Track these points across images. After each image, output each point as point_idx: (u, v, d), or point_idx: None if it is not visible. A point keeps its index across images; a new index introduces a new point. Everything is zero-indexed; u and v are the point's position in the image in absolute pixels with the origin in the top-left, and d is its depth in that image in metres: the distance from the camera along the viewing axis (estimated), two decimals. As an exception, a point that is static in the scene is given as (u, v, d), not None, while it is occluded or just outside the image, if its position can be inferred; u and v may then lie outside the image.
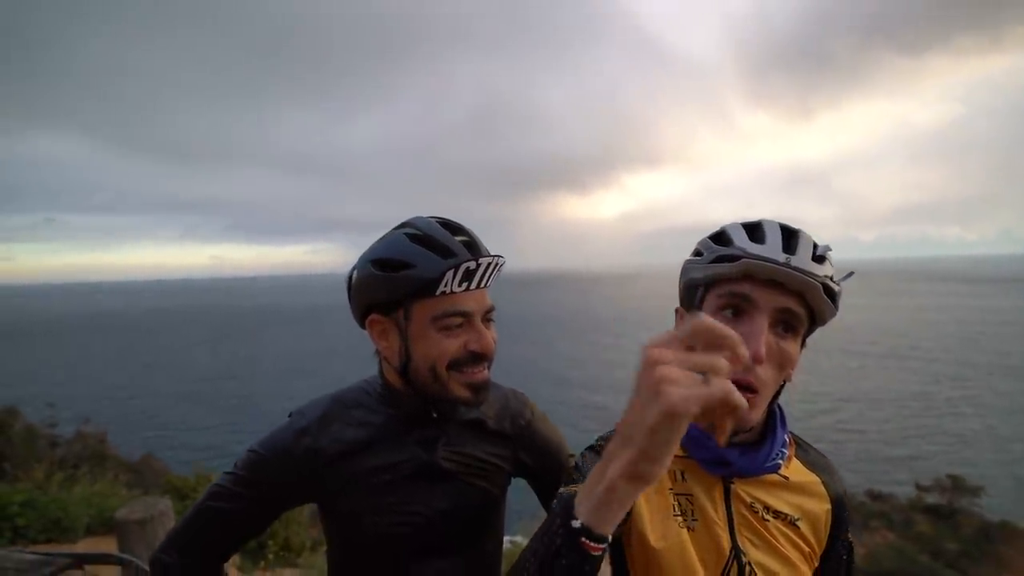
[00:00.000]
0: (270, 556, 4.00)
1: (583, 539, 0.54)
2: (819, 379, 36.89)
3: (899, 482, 20.12)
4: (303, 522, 4.52)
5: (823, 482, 0.88)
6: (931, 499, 18.81)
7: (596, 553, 0.55)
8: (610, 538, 0.55)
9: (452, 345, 0.93)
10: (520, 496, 1.20)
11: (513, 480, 1.14)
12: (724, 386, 0.48)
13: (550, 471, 1.14)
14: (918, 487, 19.29)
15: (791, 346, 0.77)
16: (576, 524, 0.55)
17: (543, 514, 0.81)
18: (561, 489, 0.83)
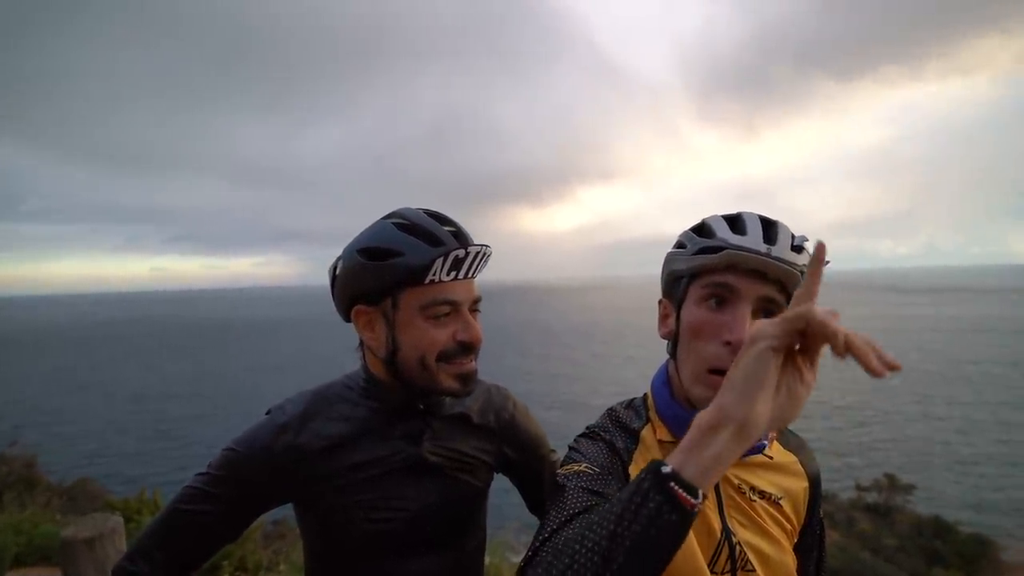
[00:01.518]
0: (225, 576, 3.81)
1: (672, 484, 0.53)
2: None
3: (844, 488, 21.05)
4: (258, 540, 4.33)
5: (800, 461, 0.92)
6: (870, 498, 19.85)
7: (686, 505, 0.53)
8: (701, 495, 0.53)
9: (441, 335, 0.92)
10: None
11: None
12: (807, 309, 0.52)
13: (533, 465, 1.15)
14: (858, 487, 20.31)
15: None
16: (666, 469, 0.54)
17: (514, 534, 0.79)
18: (558, 470, 0.84)
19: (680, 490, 0.53)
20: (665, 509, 0.53)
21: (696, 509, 0.53)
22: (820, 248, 0.56)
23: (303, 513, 1.01)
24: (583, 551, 0.57)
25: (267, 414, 1.01)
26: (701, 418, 0.55)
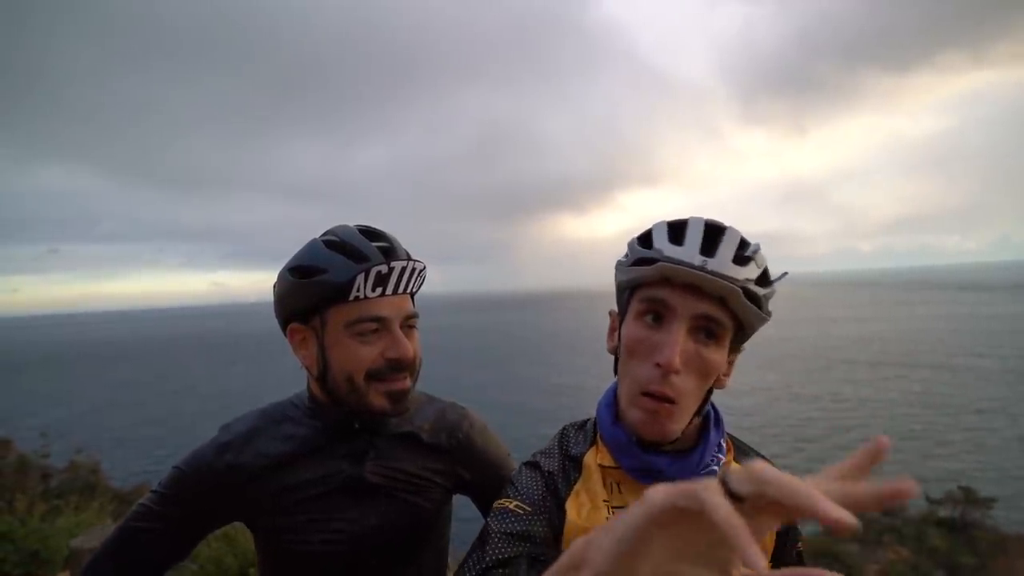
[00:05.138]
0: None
1: None
2: (831, 391, 36.41)
3: (912, 501, 19.56)
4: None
5: None
6: (943, 512, 18.40)
7: None
8: None
9: (369, 353, 0.91)
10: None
11: None
12: (701, 495, 0.36)
13: (492, 486, 1.07)
14: (929, 500, 18.89)
15: (714, 353, 0.74)
16: None
17: None
18: (495, 503, 0.78)
19: None
20: None
21: None
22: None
23: (252, 533, 1.01)
24: None
25: (219, 430, 1.01)
26: (569, 553, 0.43)
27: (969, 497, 18.52)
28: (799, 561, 0.85)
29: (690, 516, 0.38)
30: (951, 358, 45.82)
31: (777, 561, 0.82)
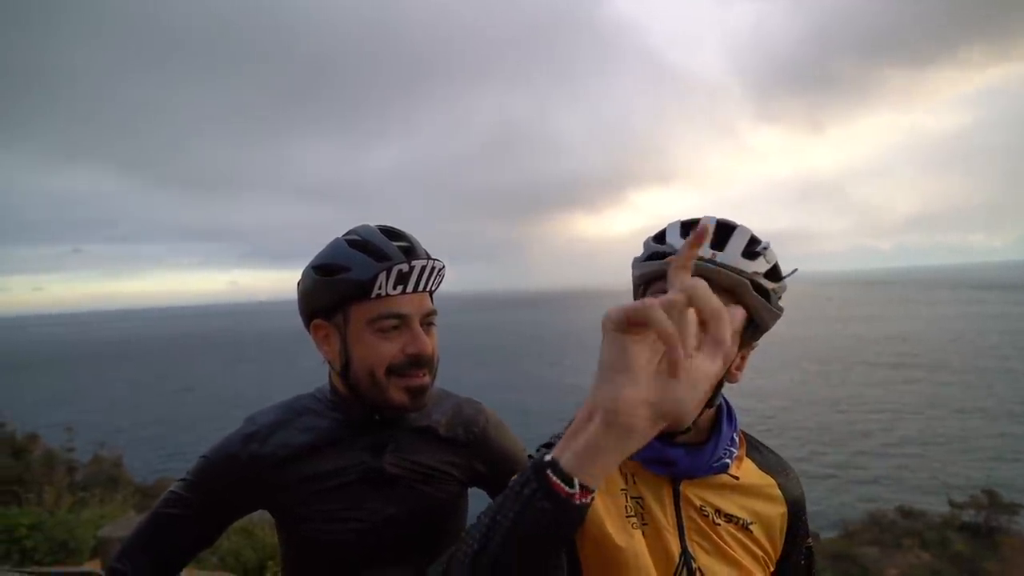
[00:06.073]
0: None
1: (548, 471, 0.49)
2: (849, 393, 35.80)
3: (934, 505, 19.14)
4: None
5: (778, 484, 0.86)
6: (967, 517, 18.01)
7: (560, 493, 0.48)
8: (577, 483, 0.47)
9: (390, 349, 0.94)
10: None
11: None
12: (643, 303, 0.44)
13: (507, 481, 1.09)
14: (952, 504, 18.49)
15: None
16: (546, 457, 0.50)
17: None
18: (511, 479, 0.81)
19: (554, 477, 0.49)
20: (538, 496, 0.50)
21: (573, 499, 0.48)
22: (700, 232, 0.46)
23: (275, 521, 1.04)
24: (468, 538, 0.56)
25: (244, 422, 1.05)
26: (577, 417, 0.51)
27: (993, 501, 18.08)
28: (808, 557, 0.88)
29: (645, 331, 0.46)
30: (975, 360, 44.74)
31: (786, 556, 0.85)
